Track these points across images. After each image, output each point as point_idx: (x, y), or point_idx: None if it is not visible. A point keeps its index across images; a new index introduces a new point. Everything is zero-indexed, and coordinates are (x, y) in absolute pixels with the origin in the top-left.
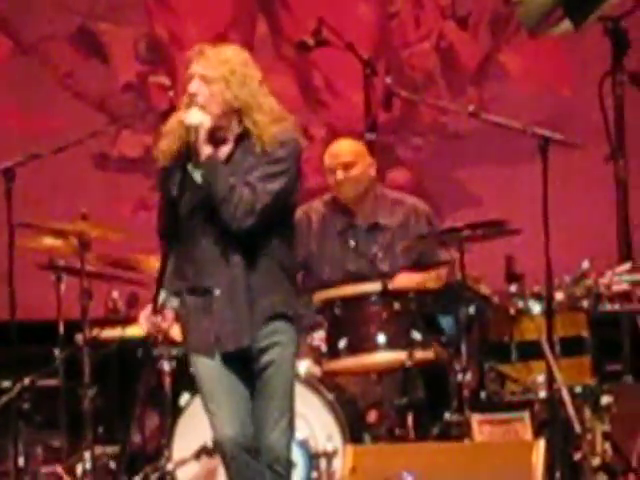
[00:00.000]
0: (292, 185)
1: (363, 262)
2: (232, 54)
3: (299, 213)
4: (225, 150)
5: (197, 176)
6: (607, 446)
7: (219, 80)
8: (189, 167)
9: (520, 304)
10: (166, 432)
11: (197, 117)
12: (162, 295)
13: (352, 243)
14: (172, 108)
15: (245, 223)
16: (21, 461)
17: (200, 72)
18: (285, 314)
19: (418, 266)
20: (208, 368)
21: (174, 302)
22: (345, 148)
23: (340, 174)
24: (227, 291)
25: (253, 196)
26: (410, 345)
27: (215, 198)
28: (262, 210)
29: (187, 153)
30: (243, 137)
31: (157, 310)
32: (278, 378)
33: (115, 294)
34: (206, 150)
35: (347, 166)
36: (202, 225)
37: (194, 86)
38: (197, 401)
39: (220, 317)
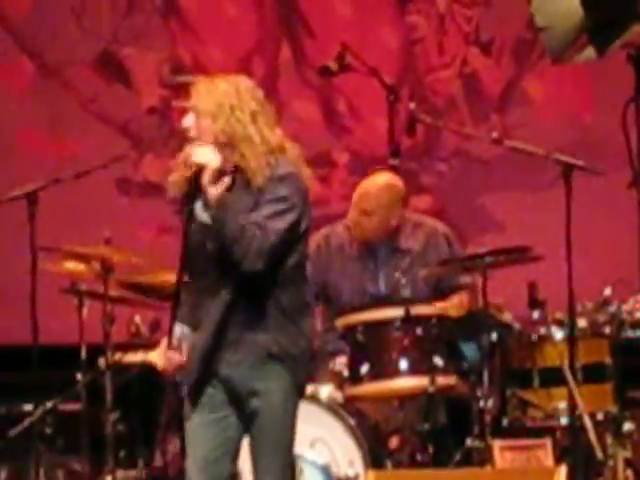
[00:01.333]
0: (299, 222)
1: (383, 285)
2: (223, 85)
3: (319, 237)
4: (222, 185)
5: (205, 217)
6: (629, 473)
7: (206, 113)
8: (196, 207)
9: (542, 330)
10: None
11: (205, 156)
12: (177, 329)
13: (371, 266)
14: None
15: (257, 264)
16: None
17: (192, 105)
18: (274, 354)
19: (439, 291)
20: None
21: (190, 336)
22: (372, 194)
23: (356, 216)
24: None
25: (264, 237)
26: (432, 371)
27: (225, 239)
28: (271, 250)
29: (194, 191)
30: (237, 172)
31: (172, 345)
32: (266, 426)
33: (137, 318)
34: (213, 191)
35: (366, 213)
36: (206, 260)
37: (187, 120)
38: None
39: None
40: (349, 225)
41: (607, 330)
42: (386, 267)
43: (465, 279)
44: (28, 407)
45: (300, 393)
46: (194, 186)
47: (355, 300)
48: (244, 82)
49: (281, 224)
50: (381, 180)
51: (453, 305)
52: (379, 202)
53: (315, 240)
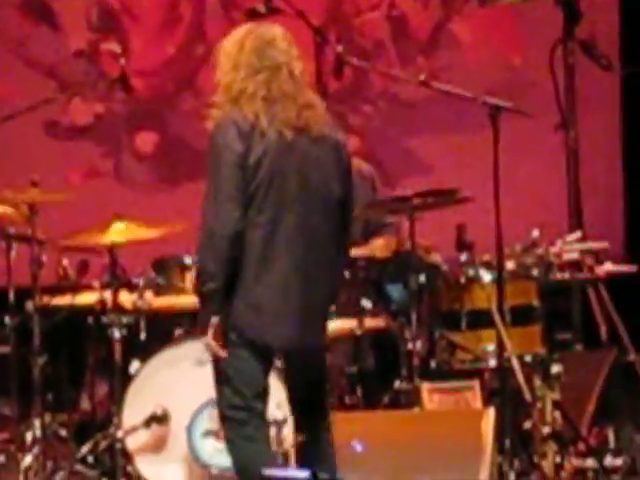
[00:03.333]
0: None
1: None
2: (226, 40)
3: None
4: None
5: None
6: (557, 415)
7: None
8: None
9: (471, 273)
10: (116, 400)
11: None
12: None
13: None
14: (123, 75)
15: None
16: None
17: None
18: None
19: (365, 233)
20: None
21: None
22: None
23: None
24: None
25: None
26: (360, 313)
27: None
28: None
29: None
30: None
31: None
32: None
33: (65, 262)
34: None
35: None
36: None
37: None
38: (147, 369)
39: None
40: None
41: (535, 272)
42: None
43: (389, 219)
44: None
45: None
46: None
47: None
48: (239, 33)
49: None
50: None
51: (378, 246)
52: None
53: None
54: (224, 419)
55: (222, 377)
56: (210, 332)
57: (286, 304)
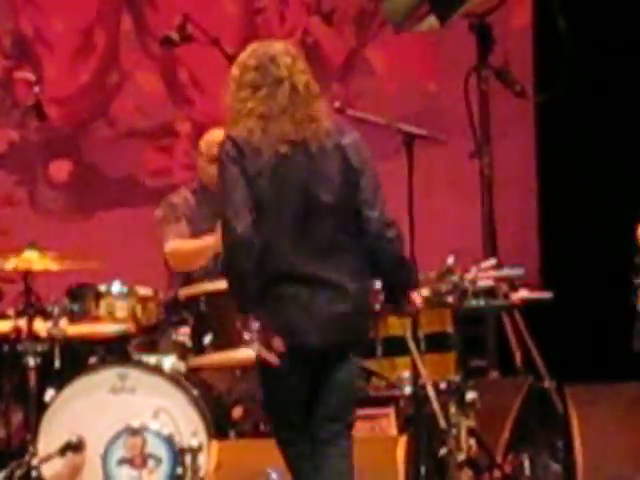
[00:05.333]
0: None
1: None
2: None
3: (164, 205)
4: None
5: None
6: (472, 441)
7: None
8: None
9: None
10: (31, 428)
11: None
12: None
13: None
14: (37, 103)
15: None
16: None
17: None
18: None
19: None
20: None
21: None
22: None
23: (207, 165)
24: None
25: None
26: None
27: None
28: None
29: None
30: None
31: None
32: None
33: None
34: None
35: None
36: None
37: None
38: (62, 397)
39: None
40: (196, 189)
41: (450, 299)
42: None
43: None
44: None
45: None
46: None
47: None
48: (247, 52)
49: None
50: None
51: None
52: None
53: (161, 209)
54: (277, 438)
55: (267, 400)
56: (255, 340)
57: (308, 315)
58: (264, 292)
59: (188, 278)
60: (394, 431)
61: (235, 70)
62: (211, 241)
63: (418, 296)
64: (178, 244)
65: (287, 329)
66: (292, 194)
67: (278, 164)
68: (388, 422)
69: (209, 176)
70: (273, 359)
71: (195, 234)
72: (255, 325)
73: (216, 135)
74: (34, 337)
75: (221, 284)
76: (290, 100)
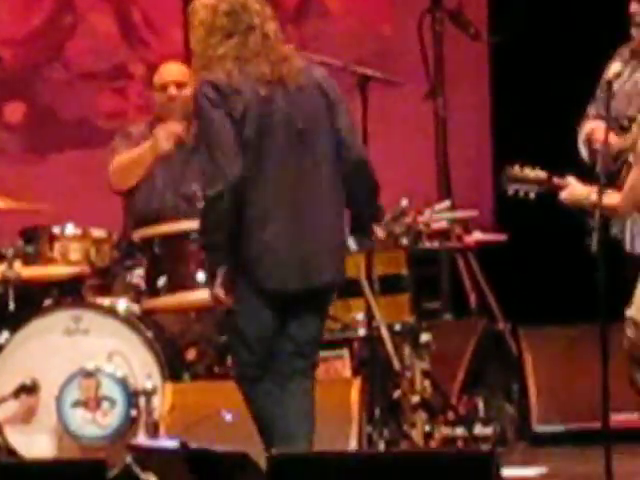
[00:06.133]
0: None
1: (181, 199)
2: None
3: (133, 128)
4: None
5: None
6: (426, 383)
7: None
8: None
9: None
10: None
11: None
12: None
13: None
14: None
15: None
16: None
17: None
18: None
19: None
20: None
21: None
22: (178, 68)
23: (173, 90)
24: None
25: None
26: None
27: None
28: None
29: None
30: None
31: None
32: None
33: None
34: None
35: (180, 85)
36: None
37: None
38: (16, 339)
39: None
40: (151, 120)
41: (404, 241)
42: (192, 163)
43: None
44: None
45: None
46: None
47: (168, 202)
48: None
49: None
50: (174, 62)
51: None
52: (186, 73)
53: (116, 137)
54: (240, 377)
55: (234, 335)
56: (217, 282)
57: (286, 251)
58: (241, 234)
59: (142, 220)
60: (348, 373)
61: (204, 14)
62: (147, 146)
63: (379, 229)
64: (118, 158)
65: (265, 272)
66: (277, 132)
67: (260, 105)
68: (342, 364)
69: (161, 105)
70: (229, 303)
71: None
72: (222, 269)
73: (165, 65)
74: None
75: (175, 226)
76: (262, 45)
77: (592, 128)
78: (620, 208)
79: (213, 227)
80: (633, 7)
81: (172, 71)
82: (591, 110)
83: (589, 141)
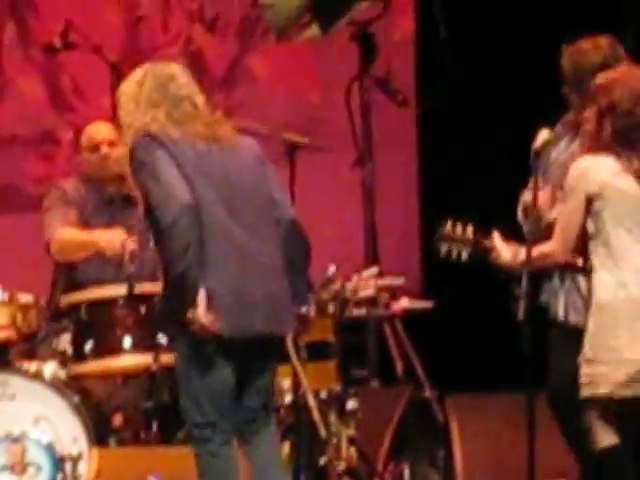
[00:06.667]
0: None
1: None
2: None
3: (67, 184)
4: None
5: None
6: (352, 451)
7: None
8: None
9: None
10: None
11: None
12: None
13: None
14: None
15: None
16: None
17: None
18: None
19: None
20: None
21: None
22: (107, 128)
23: (105, 148)
24: None
25: None
26: (156, 349)
27: None
28: None
29: None
30: None
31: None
32: None
33: None
34: None
35: (111, 143)
36: None
37: None
38: None
39: None
40: (81, 178)
41: (331, 308)
42: (121, 222)
43: None
44: None
45: None
46: None
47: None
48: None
49: None
50: (100, 122)
51: None
52: (115, 132)
53: (50, 194)
54: (190, 435)
55: (188, 391)
56: (201, 308)
57: (238, 297)
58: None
59: (70, 284)
60: None
61: (132, 88)
62: (99, 242)
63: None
64: (64, 232)
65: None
66: (215, 182)
67: (197, 157)
68: None
69: (91, 164)
70: (215, 328)
71: (85, 222)
72: (202, 295)
73: (94, 126)
74: None
75: (102, 291)
76: (194, 112)
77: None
78: (555, 252)
79: (179, 252)
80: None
81: (102, 131)
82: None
83: (525, 210)
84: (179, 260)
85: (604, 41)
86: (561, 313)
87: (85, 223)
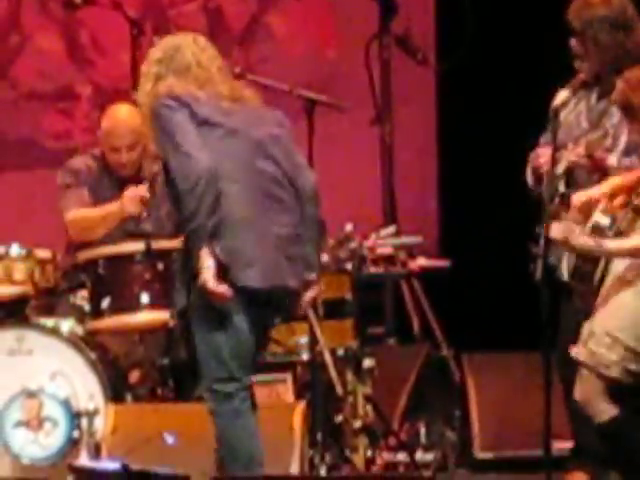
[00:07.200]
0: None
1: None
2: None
3: (80, 164)
4: None
5: None
6: (368, 409)
7: None
8: None
9: None
10: None
11: None
12: None
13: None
14: None
15: None
16: None
17: None
18: None
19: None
20: None
21: None
22: (128, 131)
23: (125, 155)
24: None
25: None
26: (172, 305)
27: None
28: None
29: None
30: None
31: None
32: None
33: None
34: None
35: (131, 148)
36: None
37: None
38: None
39: None
40: (96, 154)
41: (348, 266)
42: None
43: None
44: None
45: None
46: None
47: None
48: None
49: None
50: (125, 113)
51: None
52: (137, 131)
53: (62, 174)
54: (210, 391)
55: (208, 348)
56: (206, 272)
57: (274, 253)
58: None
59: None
60: (291, 397)
61: (143, 68)
62: (114, 208)
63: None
64: (79, 213)
65: (241, 271)
66: (239, 139)
67: (222, 114)
68: (285, 388)
69: (108, 158)
70: (224, 291)
71: (98, 201)
72: (210, 261)
73: (116, 126)
74: None
75: (119, 247)
76: (209, 79)
77: (536, 153)
78: None
79: (194, 213)
80: (572, 41)
81: (123, 137)
82: (542, 139)
83: (533, 167)
84: (191, 222)
85: None
86: (565, 274)
87: (98, 203)
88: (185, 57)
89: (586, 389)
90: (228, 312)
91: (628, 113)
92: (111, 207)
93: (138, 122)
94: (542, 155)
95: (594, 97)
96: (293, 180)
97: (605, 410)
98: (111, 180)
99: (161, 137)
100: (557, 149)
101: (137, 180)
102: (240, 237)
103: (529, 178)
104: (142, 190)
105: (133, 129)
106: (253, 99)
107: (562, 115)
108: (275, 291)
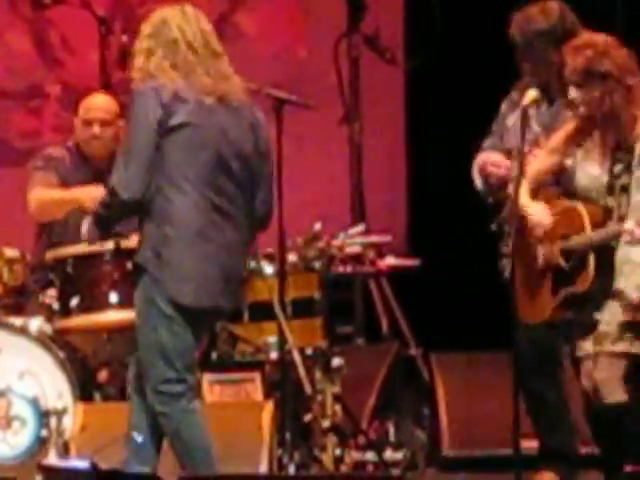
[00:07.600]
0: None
1: None
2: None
3: (54, 151)
4: None
5: None
6: (337, 408)
7: None
8: None
9: (253, 265)
10: None
11: None
12: None
13: None
14: None
15: None
16: None
17: None
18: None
19: None
20: None
21: None
22: (105, 106)
23: (97, 129)
24: None
25: None
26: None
27: None
28: None
29: None
30: None
31: None
32: None
33: None
34: None
35: (105, 123)
36: None
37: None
38: None
39: None
40: (70, 148)
41: (317, 265)
42: None
43: None
44: None
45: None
46: None
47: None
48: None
49: None
50: (103, 94)
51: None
52: (113, 110)
53: (36, 158)
54: (157, 393)
55: (154, 349)
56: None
57: (215, 272)
58: (163, 247)
59: (55, 240)
60: (260, 396)
61: (136, 44)
62: (74, 196)
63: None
64: (41, 192)
65: (186, 290)
66: (205, 155)
67: (202, 115)
68: (254, 387)
69: (82, 139)
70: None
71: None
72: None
73: (94, 99)
74: None
75: (88, 247)
76: (196, 60)
77: (483, 160)
78: None
79: (111, 219)
80: (517, 56)
81: (98, 109)
82: (486, 142)
83: (482, 171)
84: (104, 220)
85: (553, 5)
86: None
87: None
88: (172, 30)
89: (609, 370)
90: (169, 315)
91: (587, 79)
92: (76, 193)
93: (114, 107)
94: (499, 165)
95: (544, 105)
96: (249, 200)
97: (618, 393)
98: (85, 172)
99: (129, 120)
100: (520, 152)
101: (110, 173)
102: (181, 250)
103: (477, 180)
104: (101, 192)
105: (108, 108)
106: (237, 92)
107: (510, 121)
108: (208, 310)
